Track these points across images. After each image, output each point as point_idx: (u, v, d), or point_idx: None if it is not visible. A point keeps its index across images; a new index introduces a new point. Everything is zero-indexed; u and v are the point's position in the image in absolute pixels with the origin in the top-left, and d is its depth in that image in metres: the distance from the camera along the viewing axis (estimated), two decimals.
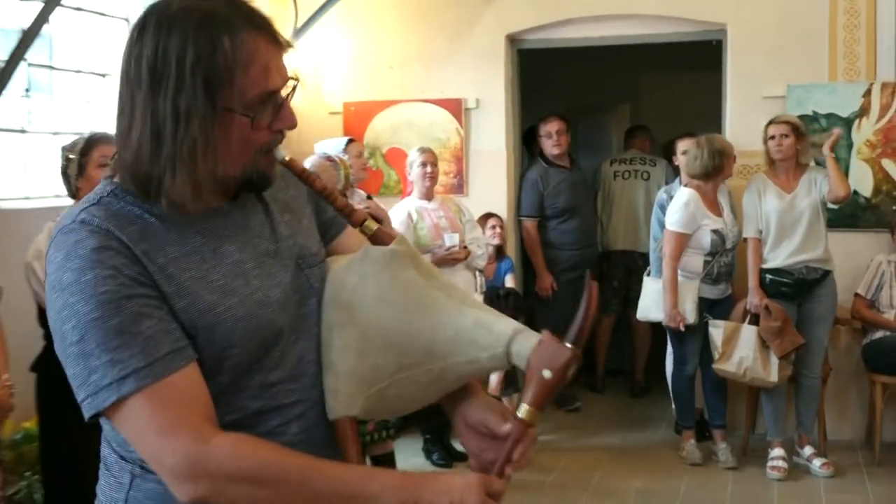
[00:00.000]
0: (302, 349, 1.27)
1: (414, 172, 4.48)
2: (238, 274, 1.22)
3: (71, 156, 2.94)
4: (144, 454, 1.15)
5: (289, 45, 1.24)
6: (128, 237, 1.14)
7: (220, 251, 1.22)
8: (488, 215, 5.05)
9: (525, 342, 1.23)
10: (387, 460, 4.03)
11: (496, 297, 4.79)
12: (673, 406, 4.83)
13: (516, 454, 1.21)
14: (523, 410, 1.21)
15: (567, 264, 5.32)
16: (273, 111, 1.21)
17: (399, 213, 4.37)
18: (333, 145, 4.19)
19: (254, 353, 1.20)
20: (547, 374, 1.19)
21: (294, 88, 1.24)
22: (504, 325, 1.27)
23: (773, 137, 4.30)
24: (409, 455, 4.69)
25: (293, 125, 1.25)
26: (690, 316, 4.34)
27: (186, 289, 1.17)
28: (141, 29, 1.16)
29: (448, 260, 4.33)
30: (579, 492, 4.24)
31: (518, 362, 1.23)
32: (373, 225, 1.34)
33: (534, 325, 4.95)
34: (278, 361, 1.23)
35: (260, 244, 1.27)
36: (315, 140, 4.57)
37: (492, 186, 5.27)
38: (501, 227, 5.08)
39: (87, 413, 1.13)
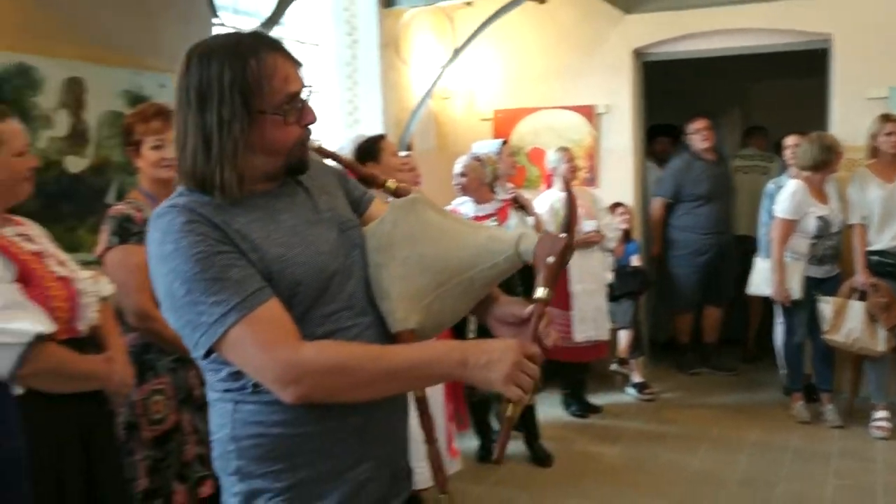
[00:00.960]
0: (351, 287, 1.46)
1: (560, 168, 4.82)
2: (294, 233, 1.42)
3: None
4: (252, 371, 1.34)
5: (300, 62, 1.44)
6: (206, 212, 1.36)
7: (278, 219, 1.43)
8: (616, 204, 5.45)
9: (529, 241, 1.45)
10: (527, 411, 4.30)
11: (624, 275, 5.22)
12: (782, 371, 5.08)
13: (541, 326, 1.43)
14: (539, 292, 1.43)
15: (697, 247, 5.60)
16: (298, 110, 1.41)
17: (543, 202, 4.78)
18: (490, 146, 4.62)
19: (315, 290, 1.40)
20: (550, 259, 1.42)
21: (310, 92, 1.44)
22: (510, 234, 1.51)
23: (890, 134, 4.51)
24: (550, 407, 5.02)
25: (315, 120, 1.45)
26: (796, 293, 4.60)
27: (258, 245, 1.37)
28: (188, 65, 1.38)
29: (585, 243, 4.68)
30: (700, 442, 4.47)
31: (527, 258, 1.44)
32: (392, 183, 1.61)
33: (659, 299, 5.41)
34: (334, 296, 1.42)
35: (306, 214, 1.47)
36: (469, 142, 5.12)
37: (619, 179, 5.65)
38: (629, 215, 5.53)
39: (203, 349, 1.33)
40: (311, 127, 1.46)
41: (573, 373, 5.02)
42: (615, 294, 5.14)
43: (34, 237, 2.10)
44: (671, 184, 5.70)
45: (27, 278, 1.94)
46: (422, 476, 3.35)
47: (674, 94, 6.32)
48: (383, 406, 1.44)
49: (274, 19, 3.88)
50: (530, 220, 4.35)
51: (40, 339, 1.86)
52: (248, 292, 1.32)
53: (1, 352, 1.82)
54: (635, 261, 5.44)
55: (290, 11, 4.02)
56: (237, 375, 1.37)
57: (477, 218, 4.13)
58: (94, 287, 2.14)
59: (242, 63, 1.35)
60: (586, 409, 5.04)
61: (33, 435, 1.90)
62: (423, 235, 1.49)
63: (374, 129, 5.04)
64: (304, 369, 1.30)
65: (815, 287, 4.68)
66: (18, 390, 1.89)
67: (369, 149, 3.52)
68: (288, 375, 1.30)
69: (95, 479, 2.06)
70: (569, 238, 1.43)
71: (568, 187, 1.57)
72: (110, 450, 2.16)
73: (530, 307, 1.47)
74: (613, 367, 5.34)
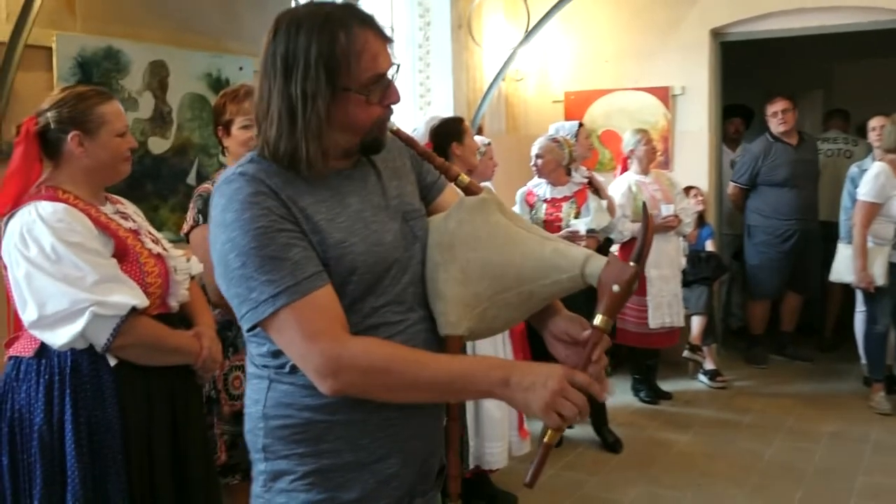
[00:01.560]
0: (405, 282, 1.41)
1: (638, 150, 4.73)
2: (358, 220, 1.38)
3: None
4: (294, 357, 1.31)
5: (390, 39, 1.39)
6: (275, 185, 1.33)
7: (345, 202, 1.39)
8: (690, 187, 5.32)
9: (596, 263, 1.36)
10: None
11: (698, 260, 5.15)
12: (862, 361, 4.95)
13: (595, 355, 1.33)
14: (598, 319, 1.34)
15: (780, 233, 5.47)
16: (382, 90, 1.37)
17: (620, 185, 4.71)
18: (567, 128, 4.54)
19: (369, 281, 1.36)
20: (616, 287, 1.31)
21: (397, 70, 1.40)
22: (577, 251, 1.41)
23: None
24: (619, 392, 4.98)
25: (398, 100, 1.41)
26: (879, 279, 4.49)
27: (320, 227, 1.34)
28: (275, 32, 1.34)
29: (663, 227, 4.60)
30: (775, 432, 4.39)
31: (591, 281, 1.36)
32: (465, 179, 1.56)
33: (733, 285, 5.32)
34: (386, 289, 1.38)
35: (374, 199, 1.43)
36: (540, 124, 5.10)
37: (694, 162, 5.55)
38: (703, 199, 5.41)
39: (247, 324, 1.31)
40: (392, 108, 1.42)
41: (644, 358, 4.98)
42: (688, 279, 5.05)
43: (130, 215, 2.17)
44: (747, 169, 5.56)
45: (124, 254, 2.00)
46: (494, 457, 3.38)
47: (749, 73, 6.15)
48: (419, 403, 1.41)
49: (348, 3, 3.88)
50: (604, 203, 4.30)
51: (135, 312, 1.93)
52: (303, 276, 1.29)
53: (98, 323, 1.88)
54: (709, 245, 5.37)
55: None
56: (277, 354, 1.36)
57: (553, 200, 4.12)
58: (186, 265, 2.20)
59: (331, 37, 1.31)
60: (656, 396, 5.00)
61: (126, 403, 1.98)
62: (488, 239, 1.43)
63: (444, 111, 5.06)
64: (345, 364, 1.28)
65: None
66: (113, 361, 1.96)
67: (451, 130, 3.49)
68: (328, 368, 1.27)
69: (182, 450, 2.12)
70: (639, 267, 1.33)
71: (648, 217, 1.39)
72: (197, 423, 2.23)
73: (587, 332, 1.39)
74: (685, 353, 5.26)
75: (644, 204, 1.26)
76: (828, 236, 5.45)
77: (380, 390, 1.31)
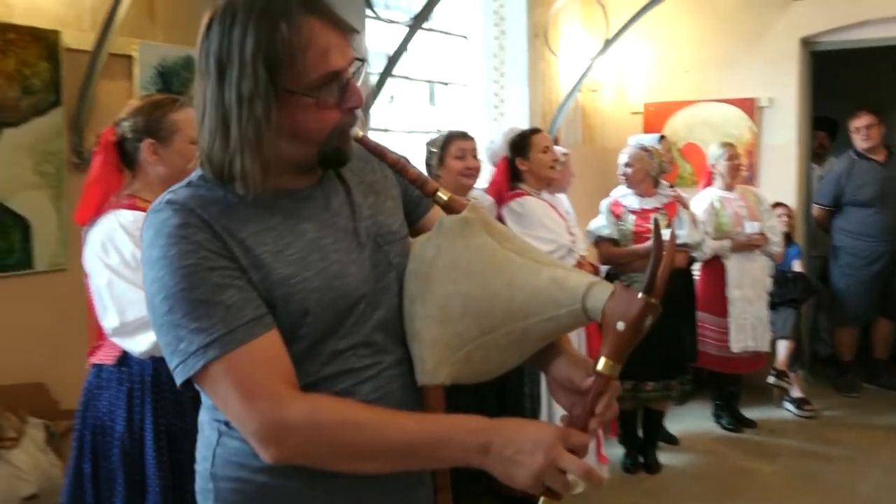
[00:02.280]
0: (377, 319, 1.23)
1: (720, 165, 4.60)
2: (315, 249, 1.20)
3: (433, 149, 3.30)
4: (231, 418, 1.15)
5: (352, 29, 1.20)
6: (209, 215, 1.15)
7: (298, 229, 1.20)
8: (777, 204, 5.14)
9: (599, 296, 1.17)
10: (656, 416, 4.24)
11: (785, 281, 4.96)
12: None
13: (599, 407, 1.16)
14: (602, 363, 1.16)
15: (867, 255, 5.24)
16: (339, 91, 1.18)
17: (702, 201, 4.57)
18: (648, 140, 4.46)
19: (328, 322, 1.18)
20: (621, 325, 1.13)
21: (359, 69, 1.20)
22: (577, 279, 1.21)
23: None
24: (699, 418, 4.88)
25: (359, 103, 1.21)
26: None
27: (262, 261, 1.15)
28: (209, 25, 1.16)
29: (747, 245, 4.50)
30: (869, 466, 4.18)
31: (594, 316, 1.18)
32: (444, 194, 1.31)
33: (820, 309, 5.10)
34: (350, 329, 1.20)
35: (339, 222, 1.24)
36: (618, 136, 5.01)
37: (782, 178, 5.37)
38: (790, 216, 5.23)
39: (178, 379, 1.14)
40: (355, 111, 1.22)
41: (726, 384, 4.82)
42: (775, 301, 4.87)
43: None
44: (830, 189, 5.36)
45: None
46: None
47: (834, 83, 5.89)
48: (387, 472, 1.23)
49: (424, 13, 3.90)
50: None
51: None
52: (237, 323, 1.11)
53: None
54: (797, 266, 5.17)
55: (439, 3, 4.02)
56: None
57: (642, 211, 4.04)
58: None
59: (271, 28, 1.12)
60: (739, 423, 4.82)
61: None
62: (471, 269, 1.22)
63: (519, 122, 5.01)
64: (287, 430, 1.10)
65: None
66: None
67: (519, 143, 3.51)
68: (268, 434, 1.10)
69: None
70: (648, 298, 1.12)
71: (660, 239, 1.16)
72: None
73: (590, 380, 1.18)
74: (770, 379, 5.05)
75: (656, 222, 1.11)
76: None
77: (331, 459, 1.13)
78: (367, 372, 1.21)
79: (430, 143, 3.33)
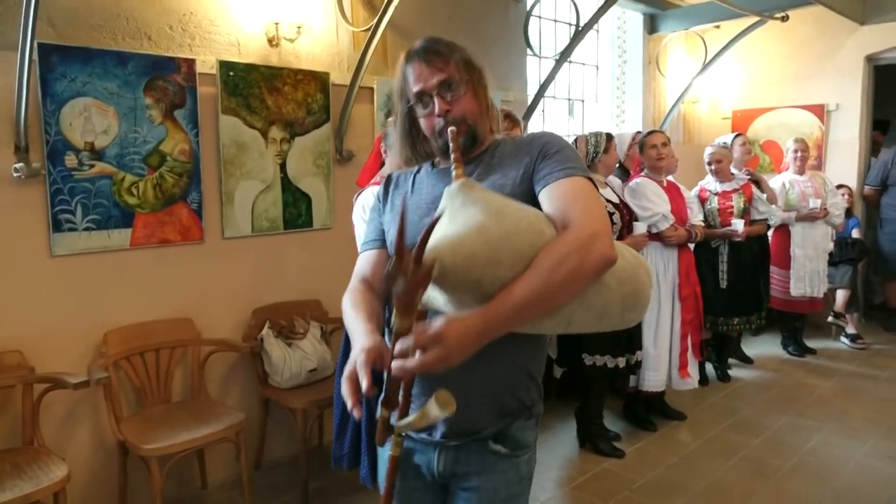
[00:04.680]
0: None
1: (790, 155, 4.52)
2: (415, 208, 1.26)
3: (593, 144, 3.14)
4: None
5: (433, 63, 1.23)
6: (388, 183, 1.37)
7: (419, 192, 1.29)
8: (840, 186, 4.97)
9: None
10: (734, 342, 4.27)
11: (844, 245, 4.82)
12: None
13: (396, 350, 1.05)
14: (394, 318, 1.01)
15: None
16: (427, 103, 1.25)
17: (777, 182, 4.50)
18: (727, 138, 4.39)
19: None
20: (398, 288, 1.00)
21: (449, 87, 1.23)
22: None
23: None
24: (771, 346, 4.83)
25: (444, 111, 1.23)
26: None
27: (388, 209, 1.33)
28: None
29: (809, 217, 4.39)
30: None
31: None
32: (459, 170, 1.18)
33: (874, 267, 4.87)
34: None
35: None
36: (712, 137, 4.97)
37: (845, 166, 5.17)
38: (850, 195, 5.04)
39: None
40: (451, 117, 1.22)
41: (791, 320, 4.76)
42: (835, 260, 4.76)
43: None
44: (878, 173, 5.10)
45: None
46: (650, 382, 3.40)
47: (891, 90, 5.54)
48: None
49: (568, 50, 3.99)
50: (765, 195, 4.19)
51: None
52: (366, 238, 1.33)
53: None
54: (855, 233, 4.98)
55: (581, 44, 4.10)
56: None
57: (724, 192, 4.03)
58: None
59: (402, 71, 1.28)
60: (803, 350, 4.75)
61: None
62: (478, 213, 1.10)
63: (636, 127, 5.12)
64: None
65: None
66: None
67: (641, 143, 3.56)
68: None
69: None
70: (394, 261, 0.95)
71: (403, 209, 0.99)
72: None
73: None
74: (830, 318, 4.95)
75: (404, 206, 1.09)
76: None
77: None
78: None
79: (592, 143, 3.14)
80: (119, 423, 2.52)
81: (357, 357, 1.01)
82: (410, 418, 1.02)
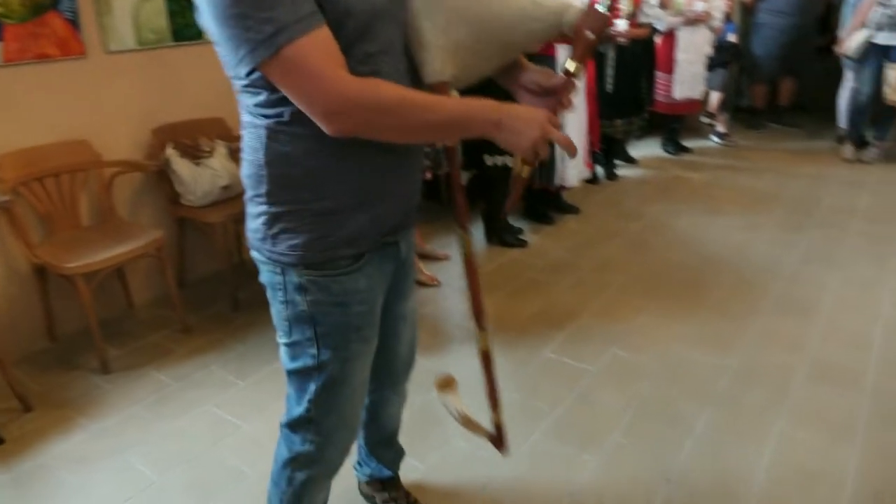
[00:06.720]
0: (391, 31, 1.06)
1: None
2: None
3: None
4: (298, 97, 0.98)
5: None
6: None
7: None
8: None
9: (573, 14, 1.12)
10: (619, 144, 4.51)
11: (720, 48, 4.98)
12: (838, 125, 4.93)
13: (565, 98, 1.14)
14: (571, 65, 1.12)
15: (780, 27, 5.21)
16: None
17: None
18: None
19: (362, 24, 1.01)
20: (590, 35, 1.10)
21: None
22: (555, 2, 1.14)
23: None
24: (652, 147, 5.18)
25: None
26: (851, 51, 4.47)
27: None
28: None
29: (695, 20, 4.50)
30: (765, 172, 4.45)
31: (568, 31, 1.13)
32: None
33: (745, 70, 5.14)
34: (375, 36, 1.03)
35: None
36: None
37: None
38: (731, 1, 5.14)
39: (245, 67, 0.97)
40: None
41: (670, 122, 5.08)
42: (711, 63, 5.03)
43: None
44: None
45: None
46: (571, 177, 3.64)
47: None
48: (411, 149, 1.16)
49: None
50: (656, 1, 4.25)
51: None
52: (301, 14, 0.93)
53: None
54: (731, 37, 5.19)
55: None
56: (275, 103, 1.03)
57: None
58: None
59: None
60: (679, 149, 5.13)
61: None
62: None
63: None
64: (354, 103, 0.97)
65: (883, 54, 4.40)
66: None
67: None
68: (337, 106, 0.97)
69: None
70: (609, 15, 1.10)
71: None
72: None
73: (558, 78, 1.16)
74: (703, 118, 5.35)
75: None
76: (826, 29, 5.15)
77: (386, 129, 1.01)
78: (391, 76, 1.04)
79: None
80: (31, 248, 2.47)
81: (549, 117, 1.06)
82: (458, 406, 1.42)
